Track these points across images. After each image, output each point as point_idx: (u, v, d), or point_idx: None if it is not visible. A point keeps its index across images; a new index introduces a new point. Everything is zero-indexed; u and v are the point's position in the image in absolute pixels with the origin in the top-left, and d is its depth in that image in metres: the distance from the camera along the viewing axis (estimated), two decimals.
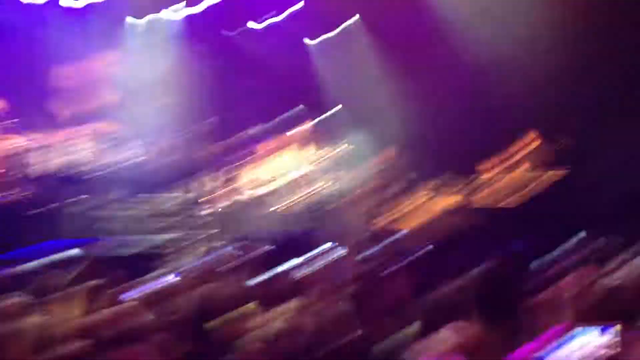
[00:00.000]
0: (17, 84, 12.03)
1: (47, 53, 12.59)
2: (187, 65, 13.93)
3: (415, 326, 3.61)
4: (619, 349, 1.92)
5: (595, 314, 2.60)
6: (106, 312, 3.74)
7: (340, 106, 14.61)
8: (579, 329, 1.96)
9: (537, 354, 1.96)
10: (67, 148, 11.68)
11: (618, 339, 1.91)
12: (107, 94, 13.44)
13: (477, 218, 11.73)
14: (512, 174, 11.87)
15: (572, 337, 1.95)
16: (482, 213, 11.78)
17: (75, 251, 5.41)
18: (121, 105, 13.24)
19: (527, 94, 12.56)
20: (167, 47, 13.94)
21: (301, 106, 14.58)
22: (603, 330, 1.95)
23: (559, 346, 1.93)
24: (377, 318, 4.18)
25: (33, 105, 11.65)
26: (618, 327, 1.93)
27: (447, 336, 2.62)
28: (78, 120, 12.32)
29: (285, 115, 14.48)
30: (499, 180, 11.80)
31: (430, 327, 3.31)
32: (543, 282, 4.01)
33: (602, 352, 1.94)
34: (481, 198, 11.82)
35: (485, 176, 11.98)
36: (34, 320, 3.51)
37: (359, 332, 3.77)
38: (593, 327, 1.98)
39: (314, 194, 12.13)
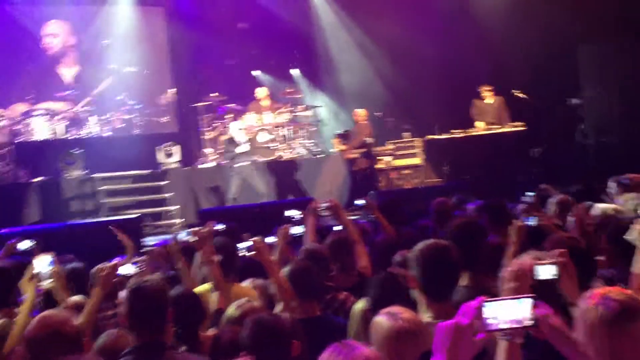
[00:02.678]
0: None
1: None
2: (149, 30, 13.75)
3: (365, 303, 3.65)
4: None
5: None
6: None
7: (298, 71, 14.65)
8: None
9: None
10: (30, 124, 11.54)
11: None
12: (67, 67, 13.30)
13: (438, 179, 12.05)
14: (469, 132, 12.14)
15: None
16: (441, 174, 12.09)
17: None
18: (82, 79, 13.14)
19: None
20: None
21: (258, 71, 14.56)
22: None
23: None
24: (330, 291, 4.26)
25: None
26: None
27: (382, 321, 2.66)
28: (39, 96, 12.16)
29: (254, 76, 14.45)
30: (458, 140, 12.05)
31: (378, 306, 3.32)
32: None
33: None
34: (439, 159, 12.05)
35: (444, 136, 12.20)
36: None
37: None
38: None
39: (287, 154, 12.14)
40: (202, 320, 3.73)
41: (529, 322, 2.04)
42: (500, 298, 2.09)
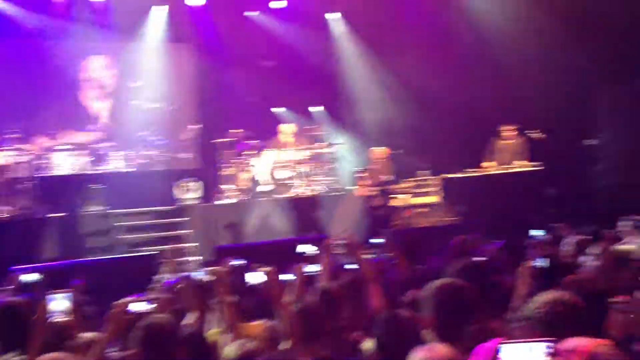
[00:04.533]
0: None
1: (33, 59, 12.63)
2: (176, 67, 13.94)
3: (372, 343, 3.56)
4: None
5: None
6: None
7: (319, 108, 14.75)
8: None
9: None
10: (53, 159, 11.63)
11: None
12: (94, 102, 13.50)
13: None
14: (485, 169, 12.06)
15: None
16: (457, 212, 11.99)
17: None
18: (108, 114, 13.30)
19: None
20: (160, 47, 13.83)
21: (283, 108, 14.69)
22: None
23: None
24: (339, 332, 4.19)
25: (18, 114, 11.52)
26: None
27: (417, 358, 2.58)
28: (62, 131, 12.29)
29: (276, 113, 14.57)
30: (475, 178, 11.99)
31: (389, 345, 3.28)
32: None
33: None
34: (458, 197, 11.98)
35: (460, 175, 12.14)
36: None
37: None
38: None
39: (305, 191, 12.16)
40: None
41: None
42: (517, 340, 2.07)
